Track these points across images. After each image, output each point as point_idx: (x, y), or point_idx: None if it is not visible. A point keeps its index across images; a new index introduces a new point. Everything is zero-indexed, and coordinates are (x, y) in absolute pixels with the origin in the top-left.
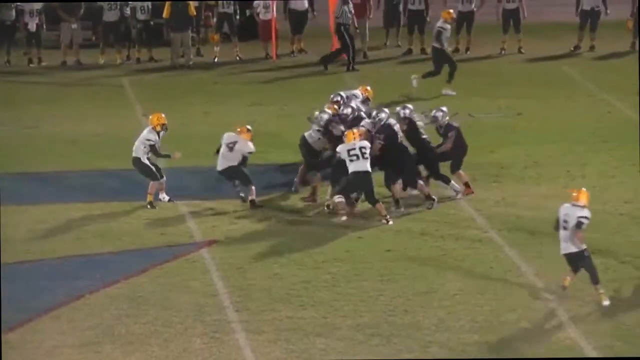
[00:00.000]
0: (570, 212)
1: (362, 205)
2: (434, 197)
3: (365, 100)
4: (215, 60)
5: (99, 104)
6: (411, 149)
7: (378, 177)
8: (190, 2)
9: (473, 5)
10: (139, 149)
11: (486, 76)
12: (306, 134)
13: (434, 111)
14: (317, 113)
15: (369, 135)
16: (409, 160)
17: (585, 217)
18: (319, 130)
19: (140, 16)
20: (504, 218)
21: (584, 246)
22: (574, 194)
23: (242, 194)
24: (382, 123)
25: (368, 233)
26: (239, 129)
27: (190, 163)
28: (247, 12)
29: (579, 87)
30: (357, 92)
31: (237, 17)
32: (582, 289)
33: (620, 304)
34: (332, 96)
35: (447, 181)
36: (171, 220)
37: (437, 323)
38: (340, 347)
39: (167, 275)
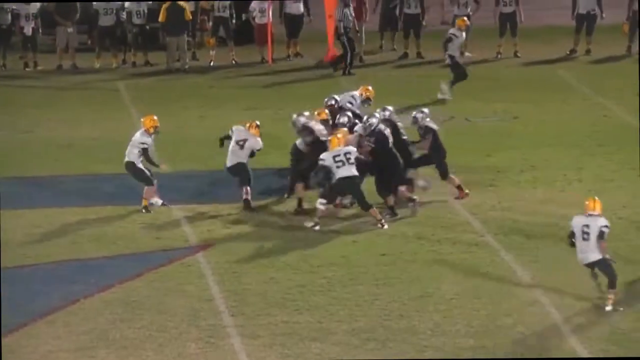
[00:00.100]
0: (590, 223)
1: (358, 209)
2: (414, 197)
3: (365, 101)
4: (211, 64)
5: (95, 108)
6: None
7: (369, 183)
8: (186, 6)
9: (469, 10)
10: (132, 153)
11: (482, 80)
12: (297, 142)
13: (414, 112)
14: (294, 116)
15: (360, 140)
16: (399, 167)
17: (607, 226)
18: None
19: (136, 20)
20: (500, 222)
21: (607, 255)
22: (589, 204)
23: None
24: (373, 128)
25: (363, 237)
26: (247, 125)
27: (185, 167)
28: (243, 16)
29: (575, 91)
30: (356, 93)
31: (233, 21)
32: (578, 294)
33: (617, 308)
34: (326, 100)
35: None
36: (166, 224)
37: (433, 327)
38: (336, 351)
39: (162, 279)
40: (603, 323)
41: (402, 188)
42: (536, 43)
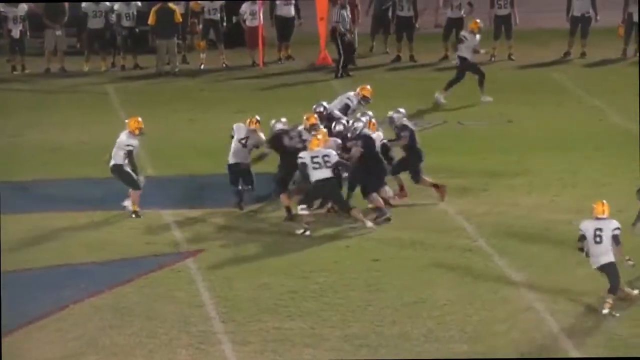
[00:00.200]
0: (602, 226)
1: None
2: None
3: (362, 99)
4: (201, 67)
5: (84, 112)
6: None
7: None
8: (176, 9)
9: (462, 12)
10: (118, 155)
11: (476, 83)
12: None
13: (390, 112)
14: (272, 122)
15: (351, 145)
16: (384, 172)
17: (619, 228)
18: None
19: (125, 23)
20: (494, 227)
21: (627, 256)
22: (598, 207)
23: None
24: (358, 132)
25: (355, 242)
26: (247, 121)
27: (175, 171)
28: (234, 19)
29: (570, 94)
30: (352, 93)
31: (224, 23)
32: (574, 299)
33: (614, 314)
34: (314, 107)
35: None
36: (156, 229)
37: (426, 333)
38: (328, 358)
39: (152, 285)
40: (599, 329)
41: (375, 194)
42: (531, 46)
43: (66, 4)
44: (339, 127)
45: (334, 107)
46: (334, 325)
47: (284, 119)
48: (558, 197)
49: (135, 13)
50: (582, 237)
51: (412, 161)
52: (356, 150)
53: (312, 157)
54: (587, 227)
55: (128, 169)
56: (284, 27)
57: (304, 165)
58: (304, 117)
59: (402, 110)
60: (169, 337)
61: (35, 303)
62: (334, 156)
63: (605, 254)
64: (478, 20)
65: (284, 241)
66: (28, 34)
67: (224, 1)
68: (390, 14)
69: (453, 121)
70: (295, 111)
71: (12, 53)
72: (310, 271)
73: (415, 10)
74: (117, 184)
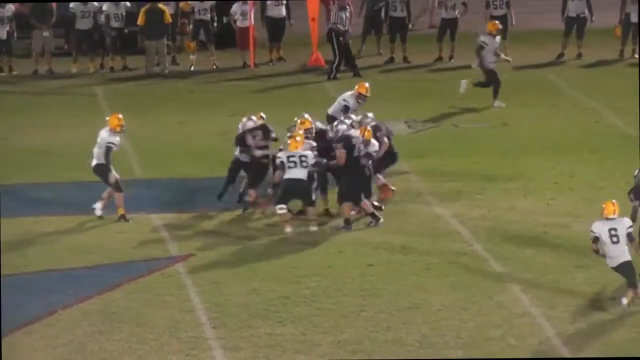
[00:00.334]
0: (616, 226)
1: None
2: (376, 213)
3: (359, 97)
4: (191, 68)
5: (72, 114)
6: None
7: None
8: (166, 9)
9: (457, 13)
10: (99, 154)
11: (474, 85)
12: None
13: (359, 117)
14: (244, 119)
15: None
16: (365, 176)
17: (632, 226)
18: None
19: (114, 23)
20: (490, 231)
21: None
22: (608, 207)
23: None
24: (340, 134)
25: (349, 247)
26: (254, 118)
27: (165, 175)
28: (224, 20)
29: (566, 96)
30: (348, 94)
31: (214, 24)
32: (570, 305)
33: (609, 319)
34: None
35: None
36: (146, 233)
37: (421, 339)
38: None
39: (141, 290)
40: (596, 335)
41: (366, 201)
42: (526, 47)
43: (54, 4)
44: (342, 126)
45: (334, 110)
46: (327, 331)
47: (254, 117)
48: (554, 200)
49: (124, 13)
50: (596, 239)
51: (387, 162)
52: (340, 154)
53: (289, 157)
54: (601, 228)
55: (112, 168)
56: (275, 28)
57: (282, 164)
58: (298, 122)
59: (370, 114)
60: (159, 343)
61: (23, 309)
62: (311, 158)
63: (623, 252)
64: (496, 22)
65: (276, 245)
66: (15, 34)
67: (214, 1)
68: (382, 14)
69: (448, 123)
70: (287, 113)
71: None
72: (302, 276)
73: (409, 10)
74: (104, 188)
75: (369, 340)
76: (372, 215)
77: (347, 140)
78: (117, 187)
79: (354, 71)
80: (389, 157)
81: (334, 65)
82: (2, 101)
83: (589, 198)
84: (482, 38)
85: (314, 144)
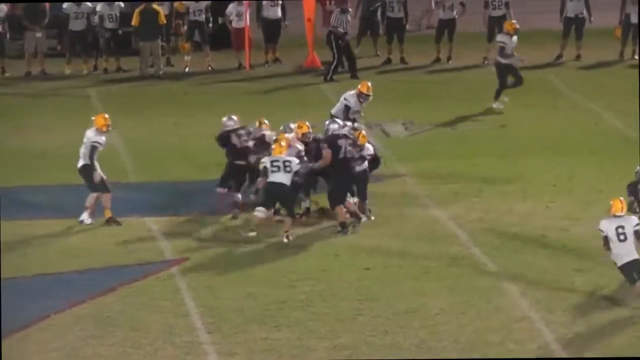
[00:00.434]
0: (624, 224)
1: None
2: (361, 216)
3: (360, 96)
4: (186, 70)
5: (65, 116)
6: None
7: None
8: (160, 10)
9: (455, 13)
10: (85, 155)
11: (469, 85)
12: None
13: (327, 122)
14: (224, 119)
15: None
16: (350, 178)
17: (638, 224)
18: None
19: (108, 24)
20: (488, 234)
21: None
22: (616, 205)
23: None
24: (329, 133)
25: (345, 250)
26: (257, 123)
27: (159, 177)
28: (220, 20)
29: (565, 97)
30: (349, 94)
31: (209, 25)
32: (569, 309)
33: (608, 323)
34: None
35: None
36: (139, 237)
37: (419, 344)
38: None
39: (135, 294)
40: (595, 339)
41: (352, 201)
42: (525, 47)
43: (47, 5)
44: (333, 126)
45: (336, 110)
46: (323, 335)
47: (234, 117)
48: (553, 203)
49: (118, 14)
50: (606, 239)
51: (372, 167)
52: (327, 154)
53: (272, 161)
54: (608, 226)
55: (97, 167)
56: (270, 29)
57: (265, 169)
58: (296, 126)
59: (338, 120)
60: (154, 348)
61: (15, 313)
62: (295, 164)
63: (630, 251)
64: (514, 21)
65: (271, 249)
66: (7, 35)
67: (209, 2)
68: (379, 15)
69: (445, 125)
70: (282, 115)
71: None
72: (298, 280)
73: (406, 11)
74: (89, 194)
75: (365, 345)
76: (342, 225)
77: (332, 140)
78: (103, 186)
79: (352, 73)
80: (373, 162)
81: (332, 67)
82: None
83: (588, 200)
84: (500, 38)
85: (301, 147)
